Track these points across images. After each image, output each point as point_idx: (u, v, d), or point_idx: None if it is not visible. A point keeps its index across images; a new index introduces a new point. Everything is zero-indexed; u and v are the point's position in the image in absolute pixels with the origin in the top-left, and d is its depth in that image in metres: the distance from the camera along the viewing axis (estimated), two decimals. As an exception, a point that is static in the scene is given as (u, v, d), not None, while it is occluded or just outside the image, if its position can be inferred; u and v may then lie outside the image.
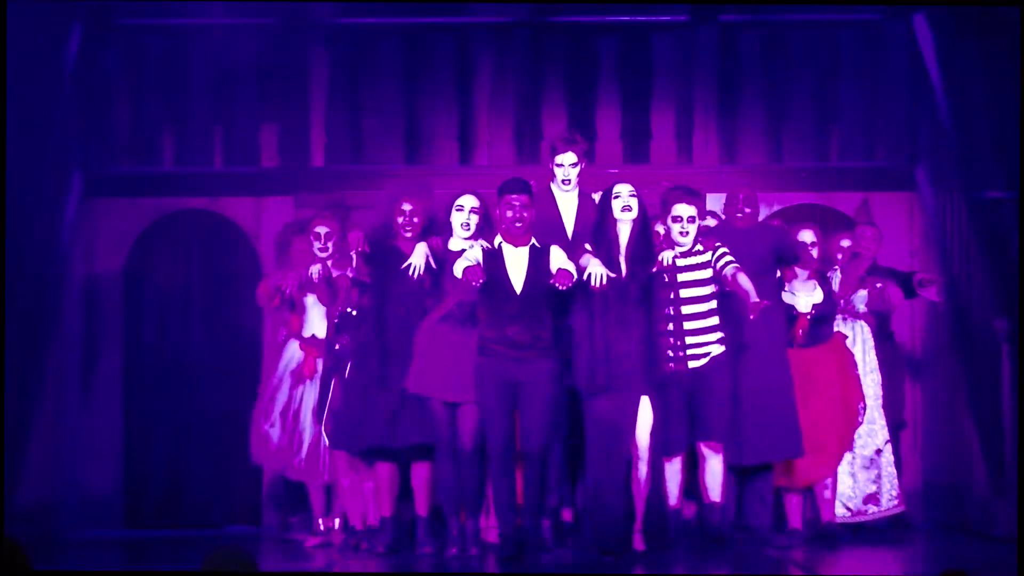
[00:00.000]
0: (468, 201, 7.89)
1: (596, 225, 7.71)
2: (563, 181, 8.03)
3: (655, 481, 7.67)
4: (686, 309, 7.76)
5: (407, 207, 7.99)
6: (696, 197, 7.95)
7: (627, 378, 7.50)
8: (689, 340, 7.73)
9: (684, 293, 7.77)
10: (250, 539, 8.65)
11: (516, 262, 7.63)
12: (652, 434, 7.59)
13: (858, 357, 8.48)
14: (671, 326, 7.70)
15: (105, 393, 9.75)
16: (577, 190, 8.09)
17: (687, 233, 7.81)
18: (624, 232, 7.65)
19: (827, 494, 8.23)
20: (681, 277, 7.75)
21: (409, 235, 7.95)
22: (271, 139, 10.18)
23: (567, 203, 8.07)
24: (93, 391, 9.73)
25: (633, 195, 7.68)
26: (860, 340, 8.59)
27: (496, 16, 10.29)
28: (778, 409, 7.93)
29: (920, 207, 9.79)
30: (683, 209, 7.82)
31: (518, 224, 7.63)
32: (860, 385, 8.36)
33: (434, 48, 10.25)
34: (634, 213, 7.64)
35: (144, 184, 9.95)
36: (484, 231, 7.87)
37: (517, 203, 7.66)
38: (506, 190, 7.72)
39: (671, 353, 7.69)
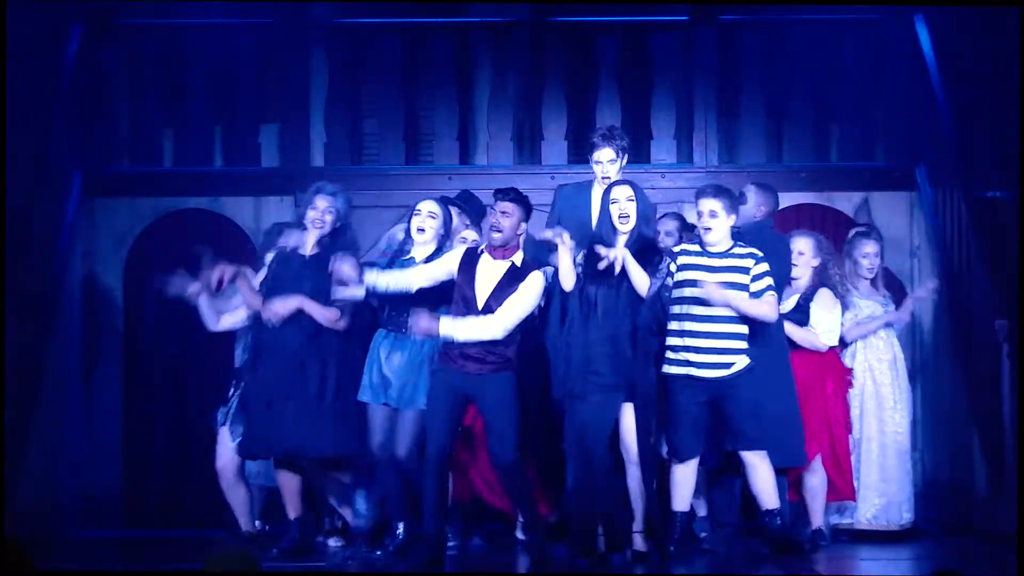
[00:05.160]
0: (426, 206, 7.82)
1: (597, 230, 7.49)
2: (603, 178, 7.76)
3: (659, 483, 7.56)
4: (711, 312, 7.55)
5: (322, 204, 7.91)
6: (720, 192, 7.71)
7: (606, 383, 7.29)
8: (712, 345, 7.52)
9: (700, 292, 7.53)
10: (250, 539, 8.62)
11: (488, 275, 7.43)
12: (646, 438, 7.43)
13: (888, 365, 8.51)
14: (684, 326, 7.52)
15: (105, 393, 9.75)
16: None
17: (709, 229, 7.60)
18: (621, 241, 7.40)
19: (816, 503, 8.20)
20: (714, 278, 7.52)
21: (318, 231, 7.90)
22: (271, 139, 10.19)
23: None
24: (93, 391, 9.73)
25: (631, 200, 7.44)
26: (891, 346, 8.60)
27: (496, 16, 10.31)
28: (783, 417, 7.88)
29: (920, 207, 9.80)
30: (704, 204, 7.63)
31: (495, 233, 7.44)
32: (847, 393, 8.37)
33: (434, 48, 10.26)
34: (632, 222, 7.40)
35: (144, 184, 9.95)
36: (444, 238, 7.81)
37: (498, 210, 7.48)
38: (494, 196, 7.58)
39: (687, 357, 7.50)
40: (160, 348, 9.82)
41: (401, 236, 8.08)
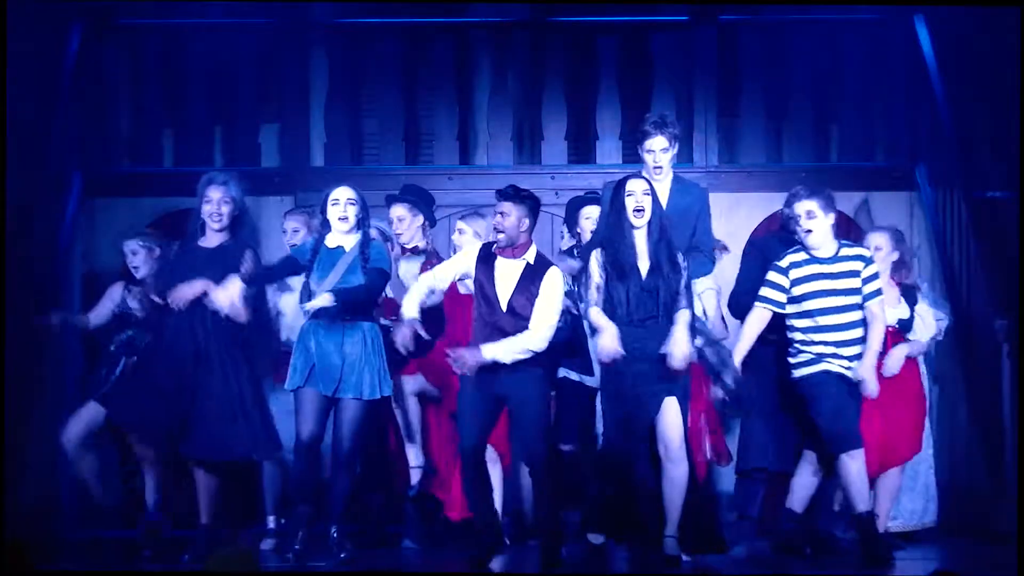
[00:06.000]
0: (343, 193, 7.67)
1: (609, 227, 7.33)
2: (655, 168, 7.58)
3: (699, 485, 7.48)
4: (827, 320, 7.54)
5: (215, 194, 7.78)
6: (815, 192, 7.61)
7: (646, 384, 7.18)
8: (858, 352, 7.53)
9: (826, 303, 7.55)
10: (249, 539, 8.62)
11: (505, 276, 7.35)
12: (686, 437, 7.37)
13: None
14: (815, 337, 7.51)
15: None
16: (670, 176, 7.67)
17: (809, 231, 7.54)
18: (640, 236, 7.25)
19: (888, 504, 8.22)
20: (831, 284, 7.53)
21: (216, 227, 7.80)
22: (271, 139, 10.19)
23: (659, 192, 7.52)
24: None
25: (647, 193, 7.26)
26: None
27: (496, 16, 10.31)
28: None
29: (920, 207, 9.80)
30: (799, 206, 7.57)
31: (498, 234, 7.38)
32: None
33: (434, 48, 10.26)
34: (647, 216, 7.23)
35: (144, 184, 9.95)
36: (364, 223, 7.68)
37: (496, 211, 7.41)
38: (496, 196, 7.47)
39: (843, 364, 7.48)
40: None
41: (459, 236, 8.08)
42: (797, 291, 7.61)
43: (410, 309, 7.40)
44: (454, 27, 10.33)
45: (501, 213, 7.37)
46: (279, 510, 8.45)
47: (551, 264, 7.46)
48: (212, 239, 7.85)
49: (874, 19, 10.09)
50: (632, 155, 10.15)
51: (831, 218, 7.64)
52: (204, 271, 7.72)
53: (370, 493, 8.23)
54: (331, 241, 7.68)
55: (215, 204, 7.79)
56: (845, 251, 7.65)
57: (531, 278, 7.34)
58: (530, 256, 7.40)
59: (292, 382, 7.62)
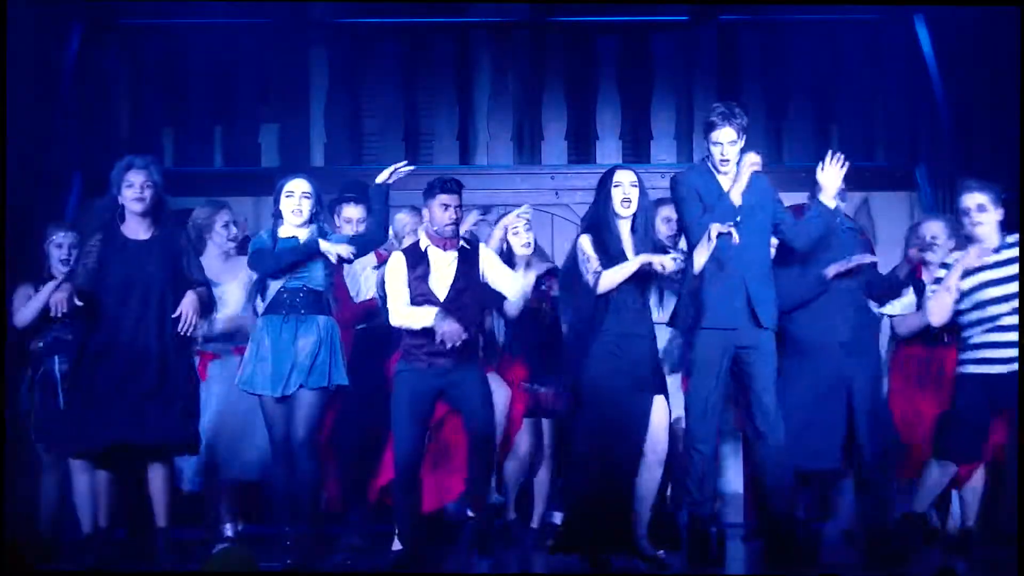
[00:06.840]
0: (299, 186, 7.51)
1: (596, 215, 7.16)
2: (721, 161, 7.29)
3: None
4: (997, 309, 7.32)
5: (137, 178, 7.43)
6: (985, 185, 7.42)
7: (636, 381, 7.05)
8: (1005, 339, 7.30)
9: (995, 292, 7.34)
10: (249, 539, 8.63)
11: (442, 268, 7.30)
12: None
13: None
14: (977, 331, 7.38)
15: (105, 393, 9.72)
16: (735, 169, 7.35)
17: (980, 224, 7.33)
18: (625, 227, 7.12)
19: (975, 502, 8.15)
20: (997, 273, 7.34)
21: (139, 210, 7.45)
22: (271, 139, 10.20)
23: (726, 185, 7.30)
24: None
25: (635, 185, 7.12)
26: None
27: (496, 16, 10.32)
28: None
29: (920, 207, 9.80)
30: (970, 199, 7.37)
31: (452, 227, 7.29)
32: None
33: (434, 48, 10.27)
34: (633, 207, 7.10)
35: (144, 184, 9.94)
36: (317, 217, 7.54)
37: (453, 203, 7.28)
38: (440, 189, 7.30)
39: (986, 355, 7.32)
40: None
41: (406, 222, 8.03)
42: (966, 284, 7.38)
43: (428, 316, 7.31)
44: (454, 27, 10.34)
45: (459, 206, 7.32)
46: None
47: (477, 240, 7.49)
48: (137, 229, 7.49)
49: (874, 19, 10.10)
50: (631, 155, 10.20)
51: (999, 213, 7.41)
52: (141, 264, 7.44)
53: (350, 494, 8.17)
54: (284, 232, 7.53)
55: (137, 188, 7.43)
56: (1009, 239, 7.41)
57: (468, 261, 7.33)
58: (460, 242, 7.39)
59: (242, 381, 7.48)
